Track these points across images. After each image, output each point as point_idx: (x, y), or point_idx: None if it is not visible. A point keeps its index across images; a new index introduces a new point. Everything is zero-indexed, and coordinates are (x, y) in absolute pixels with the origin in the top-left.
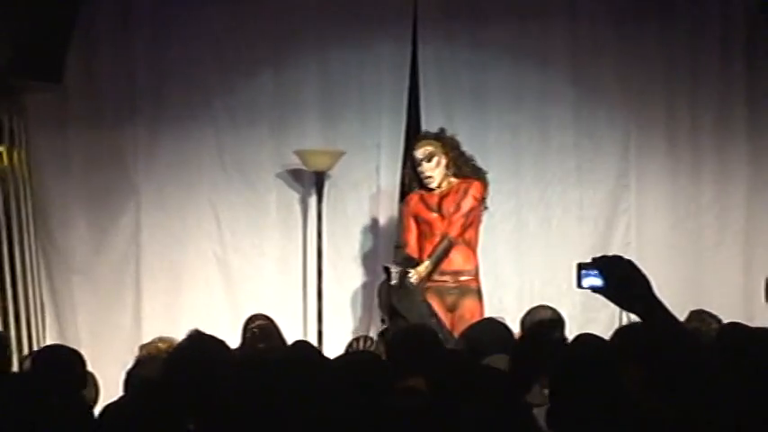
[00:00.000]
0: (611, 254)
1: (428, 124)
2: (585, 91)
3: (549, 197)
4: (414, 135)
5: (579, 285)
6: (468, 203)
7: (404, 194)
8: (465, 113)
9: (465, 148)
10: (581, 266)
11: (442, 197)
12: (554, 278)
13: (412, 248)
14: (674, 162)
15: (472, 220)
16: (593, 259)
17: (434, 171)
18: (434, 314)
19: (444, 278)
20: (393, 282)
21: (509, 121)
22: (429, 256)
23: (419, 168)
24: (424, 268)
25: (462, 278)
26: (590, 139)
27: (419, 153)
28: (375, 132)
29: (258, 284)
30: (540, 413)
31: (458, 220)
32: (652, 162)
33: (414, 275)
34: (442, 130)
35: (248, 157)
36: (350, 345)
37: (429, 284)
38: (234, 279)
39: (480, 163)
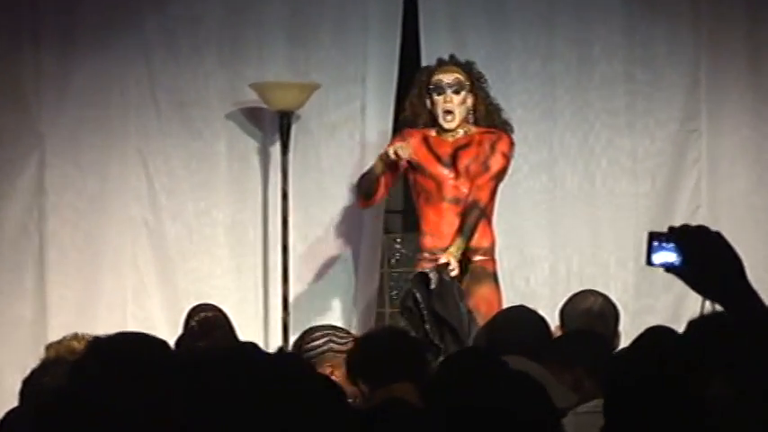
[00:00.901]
0: (679, 222)
1: (429, 51)
2: (639, 4)
3: (591, 146)
4: (411, 66)
5: (649, 261)
6: (497, 163)
7: None
8: (478, 35)
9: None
10: (653, 237)
11: (458, 148)
12: (598, 253)
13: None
14: (759, 100)
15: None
16: (670, 229)
17: (459, 108)
18: (475, 320)
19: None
20: (433, 286)
21: (537, 44)
22: (459, 232)
23: (440, 98)
24: (456, 249)
25: (476, 258)
26: (646, 68)
27: (447, 78)
28: (360, 60)
29: (203, 263)
30: (570, 421)
31: (487, 185)
32: (728, 99)
33: (451, 266)
34: (472, 63)
35: (190, 93)
36: (301, 339)
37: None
38: (171, 256)
39: (501, 101)
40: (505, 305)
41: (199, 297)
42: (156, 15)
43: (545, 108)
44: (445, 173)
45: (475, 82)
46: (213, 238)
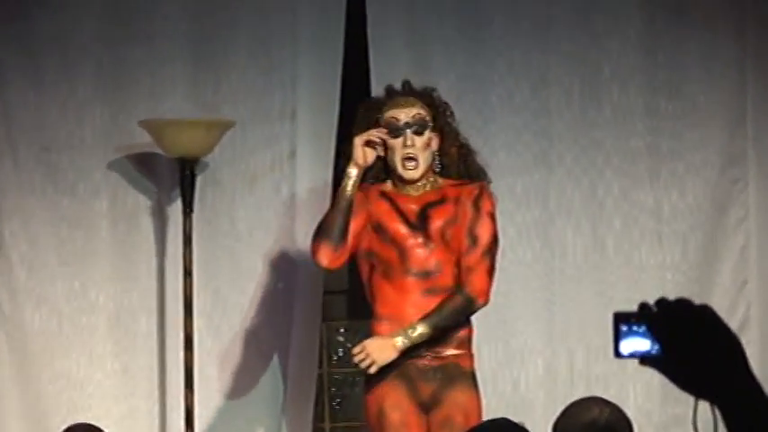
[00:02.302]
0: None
1: (381, 76)
2: (663, 10)
3: (600, 200)
4: (356, 95)
5: (617, 352)
6: (487, 229)
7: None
8: (446, 53)
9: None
10: (619, 319)
11: (427, 206)
12: (610, 346)
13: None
14: None
15: None
16: (641, 306)
17: (423, 153)
18: None
19: (418, 352)
20: None
21: (527, 65)
22: (427, 316)
23: (398, 141)
24: (409, 334)
25: (447, 352)
26: (673, 97)
27: (405, 115)
28: (287, 89)
29: (78, 363)
30: None
31: (481, 264)
32: None
33: (369, 356)
34: (433, 91)
35: (57, 134)
36: None
37: (392, 364)
38: (32, 352)
39: (477, 142)
40: (486, 416)
41: (72, 412)
42: (11, 30)
43: (538, 151)
44: (412, 238)
45: (440, 116)
46: (91, 329)
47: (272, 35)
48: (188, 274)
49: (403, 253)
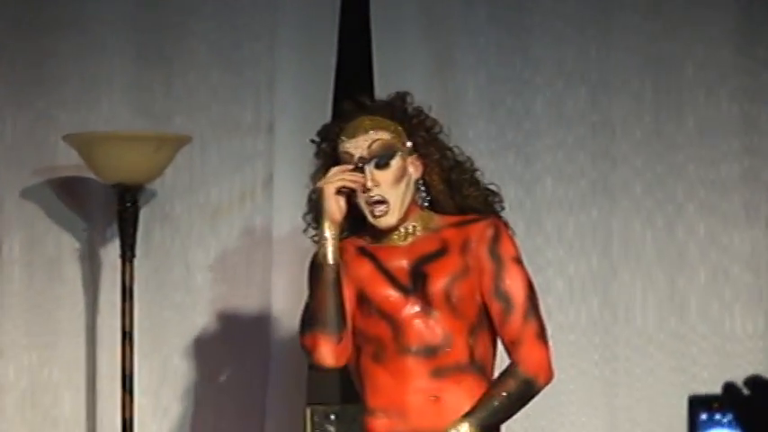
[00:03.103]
0: None
1: (385, 76)
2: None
3: (680, 243)
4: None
5: None
6: (518, 281)
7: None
8: (476, 45)
9: (463, 142)
10: (698, 404)
11: (421, 260)
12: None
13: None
14: None
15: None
16: (726, 388)
17: (394, 189)
18: None
19: None
20: None
21: (587, 59)
22: (471, 412)
23: (359, 185)
24: None
25: None
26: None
27: (359, 145)
28: (263, 96)
29: None
30: None
31: (526, 329)
32: None
33: None
34: (404, 97)
35: None
36: None
37: None
38: None
39: (515, 162)
40: None
41: None
42: None
43: (597, 178)
44: (406, 306)
45: (416, 131)
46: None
47: (244, 21)
48: (127, 338)
49: (397, 327)
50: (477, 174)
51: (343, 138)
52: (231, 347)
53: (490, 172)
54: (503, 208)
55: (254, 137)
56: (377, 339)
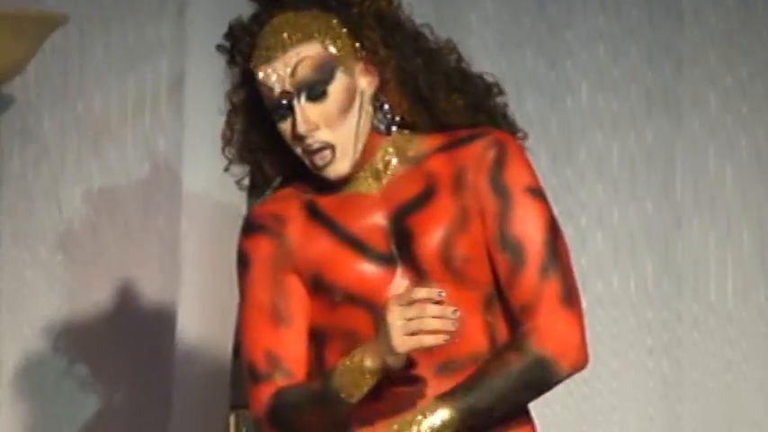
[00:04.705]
0: None
1: None
2: None
3: (760, 167)
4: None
5: None
6: (534, 219)
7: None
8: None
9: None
10: None
11: (402, 210)
12: None
13: (293, 371)
14: None
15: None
16: None
17: (339, 126)
18: None
19: None
20: None
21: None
22: (454, 391)
23: (284, 124)
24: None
25: None
26: None
27: (275, 77)
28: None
29: None
30: None
31: (545, 287)
32: None
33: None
34: None
35: None
36: None
37: None
38: None
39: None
40: None
41: None
42: None
43: (598, 112)
44: (388, 280)
45: (363, 21)
46: None
47: None
48: None
49: (373, 308)
50: (465, 67)
51: (254, 62)
52: (120, 330)
53: (498, 75)
54: (515, 128)
55: (155, 22)
56: (351, 333)
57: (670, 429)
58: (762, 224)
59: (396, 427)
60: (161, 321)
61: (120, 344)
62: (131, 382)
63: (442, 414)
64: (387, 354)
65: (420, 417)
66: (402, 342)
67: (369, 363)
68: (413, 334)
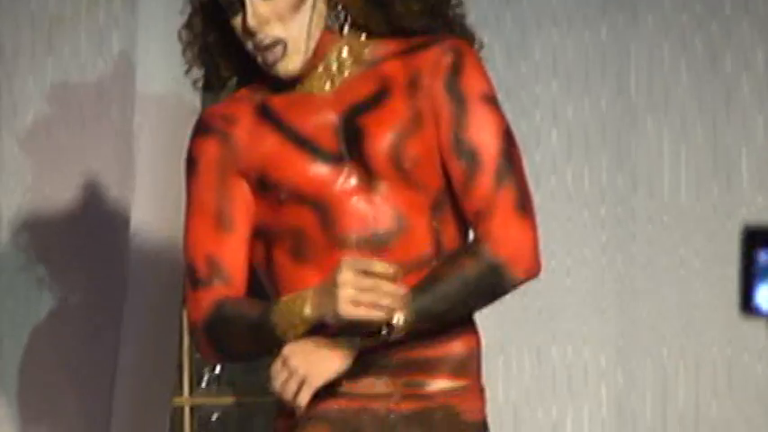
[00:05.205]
0: None
1: None
2: None
3: (714, 64)
4: None
5: (747, 304)
6: (488, 125)
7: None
8: None
9: None
10: (757, 237)
11: (353, 110)
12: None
13: (232, 278)
14: None
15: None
16: None
17: (290, 21)
18: None
19: (375, 380)
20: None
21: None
22: (420, 286)
23: (236, 19)
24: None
25: (434, 385)
26: None
27: None
28: None
29: None
30: None
31: (499, 193)
32: None
33: (295, 374)
34: None
35: None
36: None
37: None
38: None
39: None
40: None
41: None
42: None
43: (553, 6)
44: (338, 180)
45: None
46: None
47: None
48: None
49: (326, 211)
50: None
51: None
52: (74, 225)
53: None
54: (472, 36)
55: None
56: (296, 231)
57: (623, 325)
58: (715, 121)
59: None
60: (115, 217)
61: (74, 238)
62: (86, 277)
63: (396, 316)
64: (328, 312)
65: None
66: (347, 310)
67: (308, 312)
68: (360, 304)
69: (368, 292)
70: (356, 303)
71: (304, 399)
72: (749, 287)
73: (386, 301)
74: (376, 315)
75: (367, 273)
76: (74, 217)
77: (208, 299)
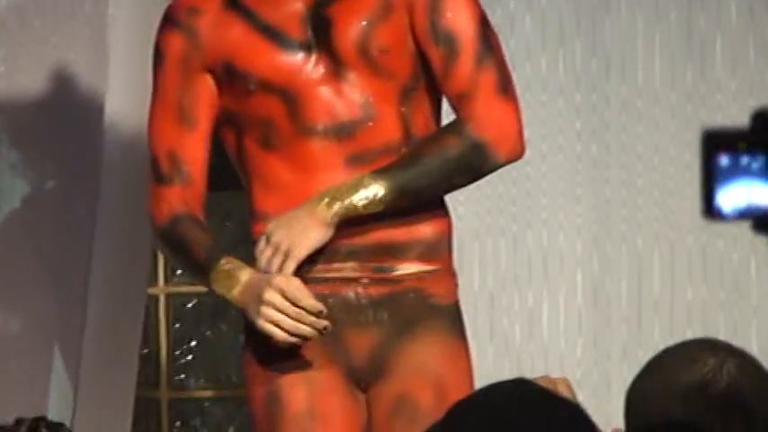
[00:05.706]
0: None
1: None
2: None
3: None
4: None
5: (709, 207)
6: (465, 12)
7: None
8: None
9: None
10: (716, 141)
11: (321, 1)
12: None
13: (192, 175)
14: None
15: None
16: (756, 118)
17: None
18: None
19: (343, 264)
20: None
21: None
22: (388, 167)
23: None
24: (359, 200)
25: (404, 269)
26: None
27: None
28: None
29: None
30: None
31: (481, 77)
32: None
33: (280, 248)
34: None
35: None
36: None
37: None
38: None
39: None
40: (482, 381)
41: None
42: None
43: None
44: (305, 68)
45: None
46: None
47: None
48: None
49: (293, 100)
50: None
51: None
52: (49, 115)
53: None
54: None
55: None
56: (265, 121)
57: (598, 212)
58: (690, 6)
59: (327, 198)
60: (89, 106)
61: (48, 127)
62: (60, 165)
63: (376, 189)
64: (249, 310)
65: (353, 189)
66: (264, 326)
67: (235, 296)
68: (277, 326)
69: (289, 319)
70: (274, 324)
71: (289, 268)
72: (710, 191)
73: (305, 332)
74: (289, 341)
75: (294, 303)
76: (47, 105)
77: (168, 201)
